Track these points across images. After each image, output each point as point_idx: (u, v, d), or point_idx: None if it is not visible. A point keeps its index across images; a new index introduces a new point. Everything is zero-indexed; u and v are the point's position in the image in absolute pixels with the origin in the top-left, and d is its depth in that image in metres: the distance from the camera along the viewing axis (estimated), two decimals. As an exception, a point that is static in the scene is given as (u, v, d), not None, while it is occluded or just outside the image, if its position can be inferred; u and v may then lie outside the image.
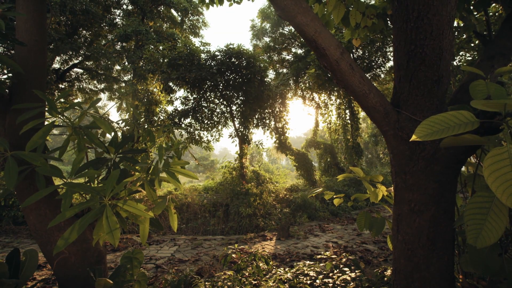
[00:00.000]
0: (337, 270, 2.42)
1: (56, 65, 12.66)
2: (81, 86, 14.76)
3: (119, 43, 11.88)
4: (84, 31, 12.24)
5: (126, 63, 12.41)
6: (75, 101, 15.01)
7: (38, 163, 1.28)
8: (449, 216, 1.59)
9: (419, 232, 1.61)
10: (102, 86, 15.41)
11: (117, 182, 1.31)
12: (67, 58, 12.66)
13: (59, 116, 1.29)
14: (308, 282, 2.22)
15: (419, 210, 1.61)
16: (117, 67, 14.13)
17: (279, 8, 1.59)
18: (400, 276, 1.70)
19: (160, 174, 1.47)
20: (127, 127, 2.67)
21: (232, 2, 4.66)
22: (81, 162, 1.29)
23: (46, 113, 1.80)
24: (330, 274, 2.39)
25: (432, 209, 1.57)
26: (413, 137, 1.13)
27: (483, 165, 0.99)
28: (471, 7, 2.75)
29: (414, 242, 1.62)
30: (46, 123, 1.62)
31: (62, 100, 1.67)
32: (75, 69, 13.90)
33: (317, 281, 2.24)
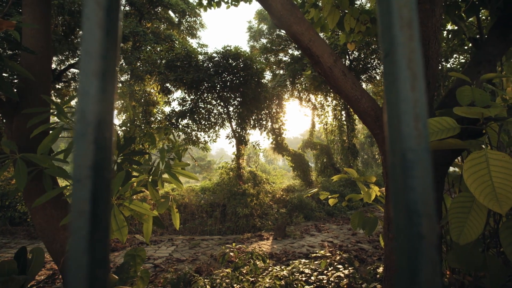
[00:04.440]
0: (332, 267, 2.51)
1: (52, 66, 12.62)
2: (77, 86, 14.70)
3: (116, 43, 11.85)
4: (81, 32, 12.21)
5: (124, 64, 12.41)
6: (72, 102, 14.92)
7: (46, 165, 1.35)
8: (437, 215, 1.68)
9: (408, 230, 1.69)
10: (99, 86, 15.35)
11: (122, 183, 1.38)
12: (63, 58, 12.63)
13: (67, 120, 1.36)
14: (303, 279, 2.31)
15: (408, 209, 1.69)
16: (114, 68, 14.07)
17: (276, 18, 1.67)
18: (391, 272, 1.78)
19: (162, 175, 1.54)
20: (125, 128, 2.73)
21: (230, 4, 4.71)
22: (88, 164, 1.36)
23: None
24: (325, 272, 2.48)
25: (420, 208, 1.66)
26: (400, 141, 1.21)
27: (463, 168, 1.08)
28: (462, 14, 2.85)
29: (403, 239, 1.71)
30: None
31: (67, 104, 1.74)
32: (72, 69, 13.85)
33: (312, 278, 2.33)
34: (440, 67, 10.06)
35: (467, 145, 1.28)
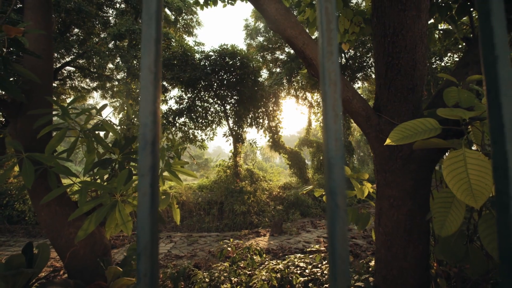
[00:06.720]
0: (326, 261, 2.61)
1: (48, 64, 12.50)
2: (73, 84, 14.64)
3: (112, 41, 11.85)
4: (76, 29, 12.16)
5: (120, 62, 12.38)
6: (68, 100, 14.87)
7: (52, 164, 1.41)
8: (424, 210, 1.76)
9: (397, 224, 1.78)
10: (95, 84, 15.32)
11: (125, 181, 1.45)
12: (59, 56, 12.56)
13: (71, 120, 1.43)
14: (298, 272, 2.40)
15: (397, 205, 1.78)
16: (110, 66, 14.06)
17: (271, 22, 1.74)
18: (381, 265, 1.88)
19: (163, 173, 1.61)
20: (123, 127, 2.79)
21: (226, 3, 4.74)
22: (92, 163, 1.43)
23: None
24: (319, 265, 2.58)
25: (408, 204, 1.75)
26: (388, 141, 1.30)
27: (442, 166, 1.16)
28: (454, 15, 2.93)
29: (393, 234, 1.80)
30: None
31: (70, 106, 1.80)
32: (67, 67, 13.78)
33: (307, 271, 2.42)
34: (434, 66, 10.17)
35: (449, 144, 1.36)
